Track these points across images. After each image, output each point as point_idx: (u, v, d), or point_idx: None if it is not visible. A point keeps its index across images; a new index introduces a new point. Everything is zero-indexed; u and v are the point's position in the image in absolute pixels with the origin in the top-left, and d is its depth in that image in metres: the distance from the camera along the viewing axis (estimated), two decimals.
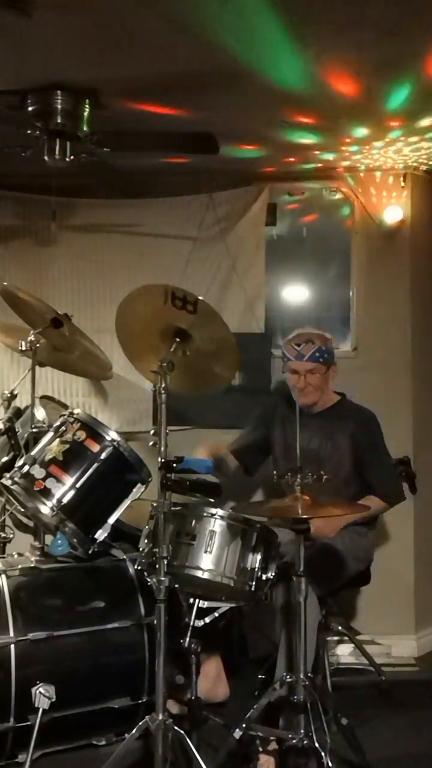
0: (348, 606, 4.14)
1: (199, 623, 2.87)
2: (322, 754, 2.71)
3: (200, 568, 2.82)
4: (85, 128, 3.18)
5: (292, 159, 4.05)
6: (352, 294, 4.40)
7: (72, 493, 3.03)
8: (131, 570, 3.25)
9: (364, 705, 3.61)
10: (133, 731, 2.71)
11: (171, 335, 2.82)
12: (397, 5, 2.44)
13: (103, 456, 3.08)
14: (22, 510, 3.41)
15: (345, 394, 3.71)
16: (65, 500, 3.01)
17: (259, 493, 4.20)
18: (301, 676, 2.80)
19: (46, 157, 3.22)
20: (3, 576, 3.07)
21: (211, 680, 3.47)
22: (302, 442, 3.44)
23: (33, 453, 3.13)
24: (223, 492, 2.94)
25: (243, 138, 3.73)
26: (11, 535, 3.70)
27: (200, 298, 2.73)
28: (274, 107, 3.31)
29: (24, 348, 3.52)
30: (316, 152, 3.93)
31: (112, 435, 3.11)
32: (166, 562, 2.66)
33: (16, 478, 3.08)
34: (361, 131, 3.60)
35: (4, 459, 3.53)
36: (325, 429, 3.56)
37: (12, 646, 2.94)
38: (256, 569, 2.86)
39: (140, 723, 2.69)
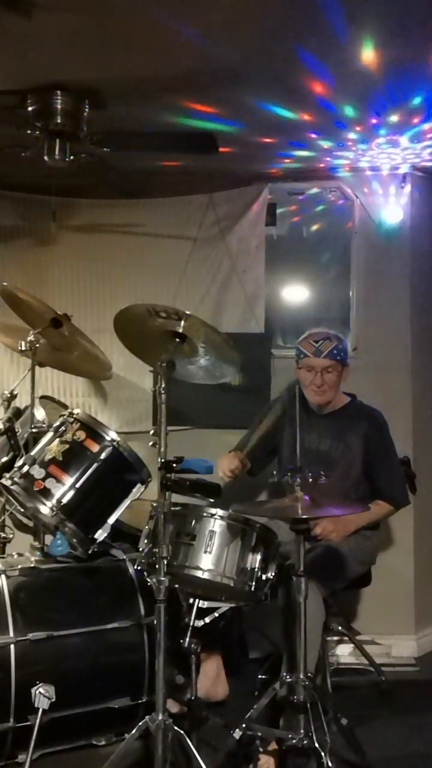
0: (348, 606, 4.13)
1: (199, 623, 2.87)
2: (322, 754, 2.71)
3: (200, 568, 2.82)
4: (85, 128, 3.18)
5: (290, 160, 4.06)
6: (352, 294, 4.39)
7: (72, 493, 3.03)
8: (131, 570, 3.25)
9: (364, 705, 3.61)
10: (133, 731, 2.71)
11: (170, 337, 2.83)
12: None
13: (102, 456, 3.08)
14: (22, 510, 3.41)
15: (355, 395, 3.68)
16: (65, 500, 3.02)
17: (260, 493, 4.20)
18: (301, 676, 2.80)
19: (46, 157, 3.22)
20: (3, 576, 3.07)
21: (211, 679, 3.47)
22: (312, 442, 3.46)
23: (33, 453, 3.13)
24: (224, 492, 2.94)
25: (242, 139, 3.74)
26: (11, 535, 3.70)
27: (187, 312, 2.74)
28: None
29: (24, 348, 3.52)
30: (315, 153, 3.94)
31: (111, 435, 3.12)
32: (166, 562, 2.65)
33: (15, 478, 3.09)
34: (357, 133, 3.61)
35: (4, 459, 3.52)
36: (337, 430, 3.53)
37: (12, 646, 2.94)
38: (256, 569, 2.86)
39: (140, 723, 2.69)
